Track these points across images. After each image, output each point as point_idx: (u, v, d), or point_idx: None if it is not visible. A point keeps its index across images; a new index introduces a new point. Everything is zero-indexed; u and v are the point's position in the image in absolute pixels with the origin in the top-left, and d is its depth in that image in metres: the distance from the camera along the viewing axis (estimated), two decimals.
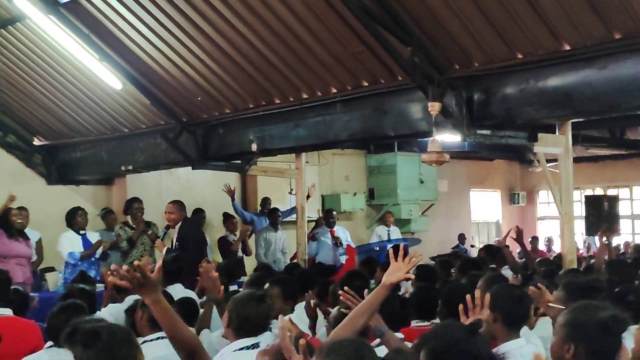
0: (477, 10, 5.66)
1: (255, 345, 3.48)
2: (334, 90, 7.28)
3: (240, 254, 10.23)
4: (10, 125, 10.05)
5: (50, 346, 3.79)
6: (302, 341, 2.67)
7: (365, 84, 7.02)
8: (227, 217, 10.65)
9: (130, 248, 8.81)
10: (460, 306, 3.43)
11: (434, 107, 6.14)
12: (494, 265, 7.64)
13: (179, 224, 7.84)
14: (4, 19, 8.10)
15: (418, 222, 13.86)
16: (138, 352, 2.72)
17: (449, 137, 6.63)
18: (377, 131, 7.27)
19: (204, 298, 5.19)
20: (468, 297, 3.45)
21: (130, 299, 5.17)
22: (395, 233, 12.43)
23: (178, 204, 7.96)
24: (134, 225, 8.96)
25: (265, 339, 3.46)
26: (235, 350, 3.47)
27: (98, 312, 5.03)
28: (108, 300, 5.57)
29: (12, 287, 5.07)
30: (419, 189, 13.69)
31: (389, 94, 6.96)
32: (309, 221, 10.94)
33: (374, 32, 6.04)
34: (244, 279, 7.11)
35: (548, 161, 7.18)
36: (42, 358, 3.82)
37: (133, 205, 9.16)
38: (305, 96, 7.52)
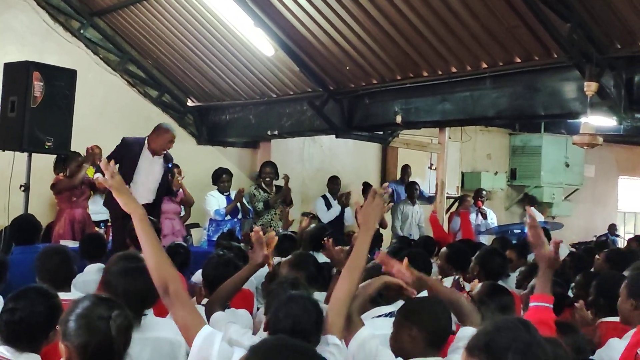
0: None
1: (391, 314, 3.53)
2: (484, 65, 7.14)
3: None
4: (167, 85, 10.50)
5: None
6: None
7: (518, 60, 6.85)
8: (366, 187, 10.71)
9: (264, 210, 9.09)
10: None
11: (591, 87, 5.92)
12: None
13: None
14: None
15: (560, 207, 13.45)
16: None
17: (603, 120, 6.36)
18: (527, 110, 7.09)
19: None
20: None
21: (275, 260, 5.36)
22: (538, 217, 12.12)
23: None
24: (266, 188, 9.24)
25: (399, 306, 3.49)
26: (373, 317, 3.55)
27: None
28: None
29: (177, 242, 5.41)
30: (564, 172, 13.27)
31: (542, 72, 6.76)
32: (447, 198, 10.88)
33: (531, 6, 5.88)
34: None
35: None
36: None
37: (264, 169, 9.40)
38: (454, 70, 7.43)
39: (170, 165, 7.24)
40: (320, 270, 4.59)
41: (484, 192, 11.33)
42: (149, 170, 6.98)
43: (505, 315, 2.34)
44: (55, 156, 7.92)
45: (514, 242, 7.38)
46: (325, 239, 5.03)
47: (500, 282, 4.84)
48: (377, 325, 3.41)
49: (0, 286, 3.90)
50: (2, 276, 4.05)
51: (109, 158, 6.68)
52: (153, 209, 6.52)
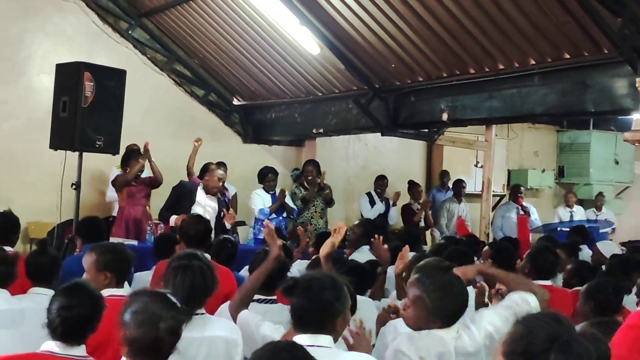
0: None
1: None
2: (532, 62, 7.05)
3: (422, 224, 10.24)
4: (213, 84, 10.59)
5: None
6: None
7: (567, 56, 6.75)
8: (412, 185, 10.68)
9: (303, 207, 9.13)
10: None
11: None
12: None
13: None
14: None
15: (610, 205, 13.17)
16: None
17: None
18: (576, 106, 6.99)
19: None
20: None
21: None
22: (579, 214, 11.85)
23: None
24: (307, 186, 9.27)
25: None
26: None
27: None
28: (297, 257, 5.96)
29: (224, 236, 5.56)
30: (613, 169, 13.00)
31: (592, 68, 6.65)
32: (493, 195, 10.76)
33: (581, 1, 5.78)
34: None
35: None
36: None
37: (306, 168, 9.42)
38: (501, 67, 7.34)
39: (225, 199, 7.88)
40: (356, 270, 4.59)
41: (522, 188, 10.99)
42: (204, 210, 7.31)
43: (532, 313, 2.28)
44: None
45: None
46: (374, 236, 5.03)
47: (549, 282, 4.79)
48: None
49: (54, 284, 3.97)
50: (56, 273, 4.13)
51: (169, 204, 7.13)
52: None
